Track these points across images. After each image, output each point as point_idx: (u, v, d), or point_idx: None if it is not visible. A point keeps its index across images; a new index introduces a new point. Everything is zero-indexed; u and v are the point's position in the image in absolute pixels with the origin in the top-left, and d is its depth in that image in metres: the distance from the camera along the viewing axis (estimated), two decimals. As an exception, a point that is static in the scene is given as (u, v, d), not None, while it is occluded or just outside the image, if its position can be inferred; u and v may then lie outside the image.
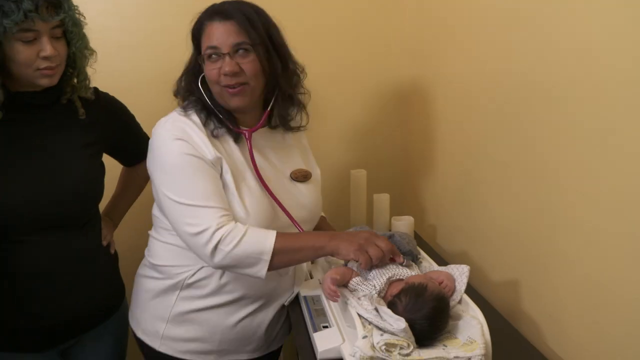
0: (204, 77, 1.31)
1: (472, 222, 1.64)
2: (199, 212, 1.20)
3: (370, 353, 0.99)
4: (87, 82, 1.39)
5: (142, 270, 1.47)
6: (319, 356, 1.12)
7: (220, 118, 1.31)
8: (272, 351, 1.50)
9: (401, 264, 1.24)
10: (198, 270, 1.34)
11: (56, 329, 1.37)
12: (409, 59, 2.08)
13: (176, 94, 1.38)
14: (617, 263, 1.03)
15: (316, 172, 1.50)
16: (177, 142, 1.24)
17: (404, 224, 1.72)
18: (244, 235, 1.19)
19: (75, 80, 1.37)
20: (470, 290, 1.22)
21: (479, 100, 1.55)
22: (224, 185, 1.27)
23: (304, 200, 1.42)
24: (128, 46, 1.90)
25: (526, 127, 1.31)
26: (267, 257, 1.19)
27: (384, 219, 1.85)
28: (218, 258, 1.20)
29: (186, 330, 1.37)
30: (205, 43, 1.27)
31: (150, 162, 1.30)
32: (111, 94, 1.52)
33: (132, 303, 1.49)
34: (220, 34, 1.24)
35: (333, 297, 1.18)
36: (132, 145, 1.58)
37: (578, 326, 1.15)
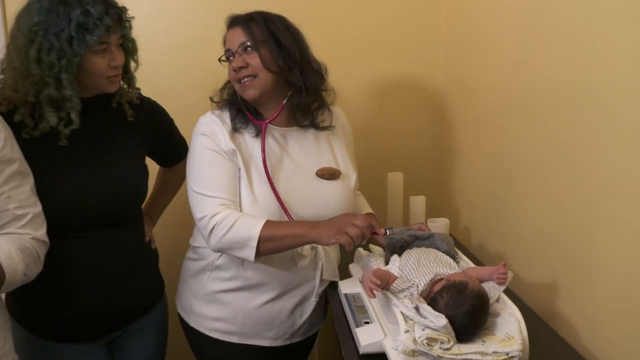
0: None
1: (507, 223, 1.68)
2: (205, 200, 1.39)
3: (412, 346, 1.05)
4: (135, 86, 1.51)
5: (187, 253, 1.63)
6: (361, 350, 1.18)
7: (245, 114, 1.47)
8: (295, 343, 1.57)
9: (385, 235, 1.33)
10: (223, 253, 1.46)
11: (102, 320, 1.46)
12: (444, 63, 2.13)
13: (213, 98, 1.54)
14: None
15: (349, 173, 1.56)
16: (201, 137, 1.44)
17: (439, 226, 1.77)
18: (234, 222, 1.34)
19: (126, 85, 1.48)
20: (506, 290, 1.26)
21: (515, 102, 1.59)
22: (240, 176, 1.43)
23: (327, 198, 1.48)
24: (167, 51, 2.02)
25: (561, 128, 1.34)
26: (254, 244, 1.32)
27: (420, 220, 1.90)
28: (213, 242, 1.36)
29: (214, 309, 1.50)
30: (224, 49, 1.46)
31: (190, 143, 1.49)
32: (151, 96, 1.61)
33: (179, 285, 1.64)
34: (231, 38, 1.44)
35: (374, 289, 1.21)
36: (171, 147, 1.69)
37: (613, 326, 1.18)
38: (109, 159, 1.43)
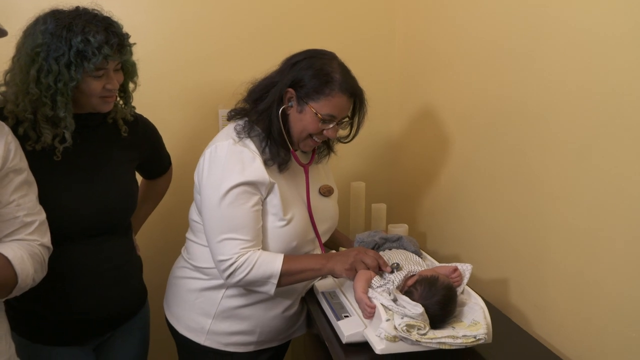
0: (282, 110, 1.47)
1: (462, 227, 1.85)
2: (225, 242, 1.41)
3: (393, 333, 1.19)
4: (130, 105, 1.57)
5: (182, 272, 1.62)
6: (345, 340, 1.30)
7: (275, 148, 1.47)
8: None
9: (390, 273, 1.43)
10: None
11: (92, 324, 1.52)
12: (400, 82, 2.31)
13: (232, 117, 1.55)
14: (595, 259, 1.25)
15: (335, 187, 1.71)
16: (232, 175, 1.41)
17: (399, 231, 1.91)
18: (255, 262, 1.40)
19: (122, 103, 1.54)
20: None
21: (469, 118, 1.77)
22: (271, 205, 1.46)
23: (327, 213, 1.63)
24: (153, 65, 2.05)
25: (513, 141, 1.53)
26: (275, 281, 1.42)
27: (381, 226, 2.05)
28: (232, 282, 1.43)
29: (230, 324, 1.54)
30: (326, 109, 1.43)
31: (206, 178, 1.45)
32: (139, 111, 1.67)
33: (172, 303, 1.64)
34: (343, 106, 1.46)
35: (370, 313, 1.30)
36: (157, 162, 1.78)
37: (560, 313, 1.37)
38: (104, 173, 1.49)
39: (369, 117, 2.30)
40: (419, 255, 1.56)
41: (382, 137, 2.37)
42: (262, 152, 1.46)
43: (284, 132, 1.47)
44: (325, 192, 1.63)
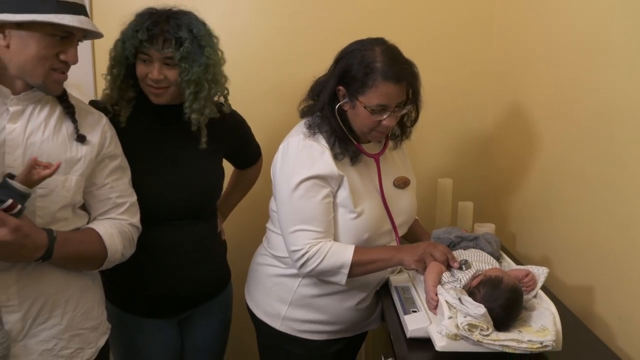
0: (339, 107, 1.49)
1: (552, 229, 1.77)
2: (297, 235, 1.47)
3: (454, 331, 1.19)
4: (205, 108, 1.55)
5: (262, 259, 1.71)
6: (409, 334, 1.32)
7: (344, 143, 1.50)
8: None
9: (458, 269, 1.41)
10: None
11: (177, 300, 1.66)
12: (495, 77, 2.25)
13: (304, 115, 1.57)
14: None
15: (413, 179, 1.70)
16: (302, 169, 1.45)
17: (485, 230, 1.86)
18: (326, 253, 1.45)
19: (194, 104, 1.53)
20: (547, 291, 1.37)
21: (562, 115, 1.69)
22: (341, 198, 1.49)
23: (403, 205, 1.63)
24: (246, 59, 2.20)
25: (607, 142, 1.45)
26: (346, 271, 1.46)
27: (467, 225, 2.01)
28: (305, 271, 1.48)
29: (305, 312, 1.61)
30: (374, 100, 1.42)
31: (279, 172, 1.52)
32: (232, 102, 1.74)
33: (251, 288, 1.73)
34: (394, 94, 1.43)
35: (433, 306, 1.34)
36: (246, 153, 1.89)
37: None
38: (189, 162, 1.62)
39: (459, 112, 2.30)
40: (496, 257, 1.52)
41: (473, 132, 2.33)
42: (332, 147, 1.49)
43: (344, 129, 1.50)
44: (401, 184, 1.63)
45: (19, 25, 1.15)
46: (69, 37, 1.21)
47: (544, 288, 1.37)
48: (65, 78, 1.26)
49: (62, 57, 1.21)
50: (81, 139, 1.30)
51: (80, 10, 1.21)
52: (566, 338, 1.23)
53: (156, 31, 1.46)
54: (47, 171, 1.16)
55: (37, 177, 1.15)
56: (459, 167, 2.33)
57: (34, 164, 1.15)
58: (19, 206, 1.13)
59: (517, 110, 2.05)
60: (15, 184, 1.13)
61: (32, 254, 1.18)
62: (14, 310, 1.22)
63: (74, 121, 1.30)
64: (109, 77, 1.55)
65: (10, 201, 1.11)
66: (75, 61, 1.24)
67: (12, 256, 1.16)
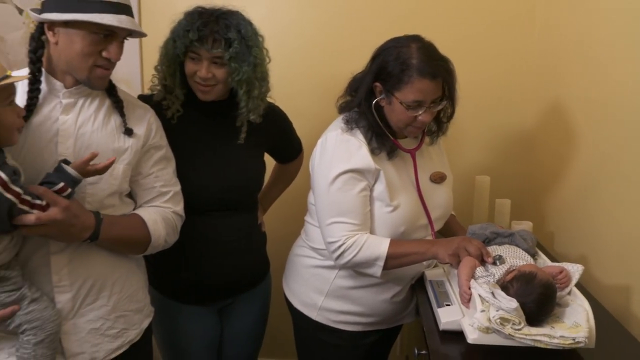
0: (376, 102, 1.52)
1: (591, 228, 1.75)
2: (334, 227, 1.50)
3: (486, 324, 1.20)
4: (260, 107, 1.63)
5: (301, 250, 1.75)
6: (442, 327, 1.34)
7: (381, 138, 1.53)
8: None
9: (492, 264, 1.42)
10: None
11: (216, 288, 1.72)
12: (536, 72, 2.22)
13: (342, 110, 1.60)
14: None
15: (449, 174, 1.71)
16: (340, 163, 1.49)
17: (522, 228, 1.86)
18: (363, 244, 1.47)
19: (249, 104, 1.60)
20: (583, 290, 1.36)
21: (603, 113, 1.67)
22: (377, 192, 1.52)
23: (439, 200, 1.65)
24: (288, 56, 2.25)
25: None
26: (381, 263, 1.48)
27: (504, 222, 2.01)
28: (341, 263, 1.51)
29: (341, 304, 1.64)
30: (410, 96, 1.44)
31: (317, 166, 1.56)
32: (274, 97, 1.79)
33: (289, 279, 1.78)
34: (429, 90, 1.44)
35: (466, 299, 1.35)
36: (287, 148, 1.93)
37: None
38: (231, 155, 1.67)
39: (498, 108, 2.29)
40: (531, 254, 1.51)
41: (512, 129, 2.31)
42: (369, 142, 1.52)
43: (380, 124, 1.52)
44: (437, 179, 1.65)
45: (66, 24, 1.23)
46: (112, 35, 1.27)
47: (580, 286, 1.37)
48: (109, 74, 1.32)
49: (104, 54, 1.27)
50: (128, 132, 1.37)
51: (123, 9, 1.26)
52: (601, 336, 1.22)
53: (206, 32, 1.51)
54: (102, 165, 1.24)
55: (92, 169, 1.23)
56: (497, 164, 2.32)
57: (93, 157, 1.23)
58: (69, 190, 1.20)
59: (558, 106, 2.03)
60: (69, 169, 1.20)
61: (81, 233, 1.25)
62: (65, 290, 1.30)
63: (122, 115, 1.37)
64: (159, 73, 1.62)
65: (61, 184, 1.19)
66: (117, 58, 1.30)
67: (62, 234, 1.23)
